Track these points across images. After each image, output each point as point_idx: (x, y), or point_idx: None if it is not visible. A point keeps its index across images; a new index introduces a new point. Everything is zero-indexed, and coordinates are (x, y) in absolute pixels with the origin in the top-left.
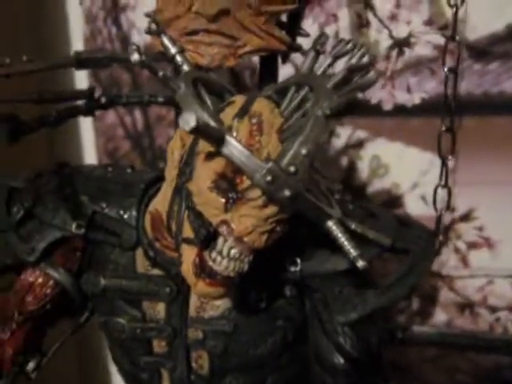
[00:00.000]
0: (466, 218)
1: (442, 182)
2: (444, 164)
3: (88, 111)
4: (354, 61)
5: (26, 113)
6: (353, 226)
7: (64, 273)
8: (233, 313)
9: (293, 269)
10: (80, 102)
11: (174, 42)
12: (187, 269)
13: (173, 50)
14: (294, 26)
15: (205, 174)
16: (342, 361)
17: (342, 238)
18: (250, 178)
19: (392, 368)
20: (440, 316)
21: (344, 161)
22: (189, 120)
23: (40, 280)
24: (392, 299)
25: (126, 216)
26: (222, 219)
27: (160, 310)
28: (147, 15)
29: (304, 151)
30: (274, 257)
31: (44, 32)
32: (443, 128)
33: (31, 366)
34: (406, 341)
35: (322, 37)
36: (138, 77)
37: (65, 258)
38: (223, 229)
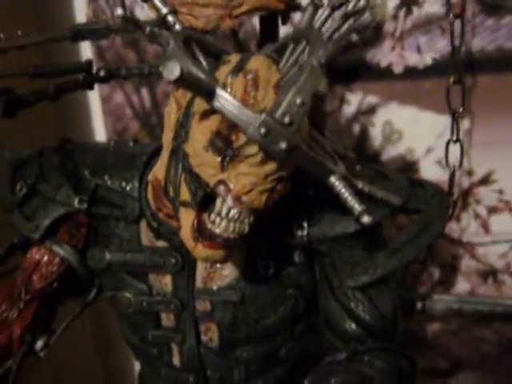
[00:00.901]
0: (485, 181)
1: (454, 138)
2: (454, 118)
3: (86, 84)
4: (349, 7)
5: (24, 88)
6: (360, 185)
7: (69, 249)
8: (241, 282)
9: (300, 233)
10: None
11: (165, 2)
12: (186, 233)
13: (164, 10)
14: None
15: (200, 133)
16: (353, 326)
17: (346, 194)
18: (244, 131)
19: (414, 340)
20: (462, 285)
21: (356, 128)
22: (172, 69)
23: (46, 258)
24: (403, 261)
25: (128, 188)
26: (220, 179)
27: (167, 282)
28: None
29: (298, 101)
30: (280, 221)
31: (47, 14)
32: (451, 80)
33: (39, 344)
34: (425, 311)
35: None
36: (143, 54)
37: (70, 234)
38: (221, 189)
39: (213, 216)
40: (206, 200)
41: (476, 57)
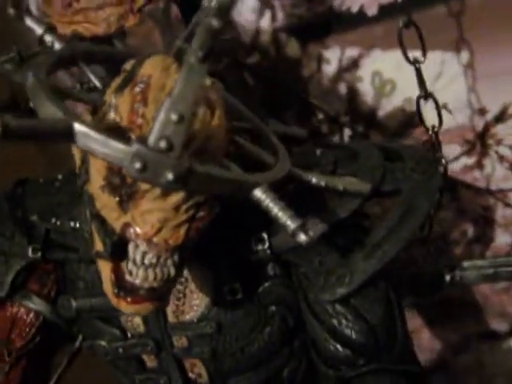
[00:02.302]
0: (502, 117)
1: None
2: (417, 70)
3: None
4: None
5: None
6: (313, 180)
7: (40, 302)
8: (213, 311)
9: (260, 247)
10: None
11: (39, 21)
12: (107, 288)
13: (39, 31)
14: None
15: (95, 171)
16: (339, 347)
17: (275, 209)
18: (117, 172)
19: (462, 304)
20: (502, 238)
21: (342, 88)
22: None
23: (20, 314)
24: (384, 259)
25: (78, 227)
26: (124, 222)
27: (138, 322)
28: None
29: (174, 117)
30: (236, 239)
31: None
32: (401, 24)
33: None
34: (455, 283)
35: None
36: None
37: (39, 284)
38: (129, 233)
39: (129, 265)
40: (121, 247)
41: None
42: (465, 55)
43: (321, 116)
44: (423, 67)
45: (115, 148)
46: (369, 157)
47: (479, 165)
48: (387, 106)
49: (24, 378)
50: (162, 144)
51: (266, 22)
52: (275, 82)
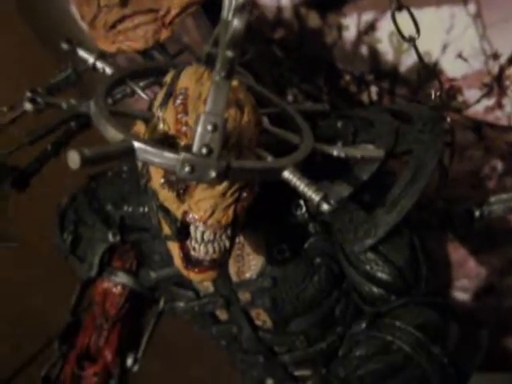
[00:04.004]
0: None
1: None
2: (414, 46)
3: (80, 128)
4: None
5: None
6: (335, 153)
7: (124, 275)
8: (267, 268)
9: (299, 212)
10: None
11: (89, 51)
12: (178, 263)
13: (91, 60)
14: None
15: (155, 172)
16: (374, 288)
17: (301, 186)
18: (173, 173)
19: (498, 233)
20: None
21: (364, 50)
22: (73, 159)
23: (110, 288)
24: (402, 212)
25: (146, 210)
26: (183, 210)
27: (208, 284)
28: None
29: (210, 127)
30: (278, 206)
31: None
32: (393, 7)
33: (129, 362)
34: (485, 217)
35: None
36: None
37: (122, 260)
38: (189, 218)
39: (193, 243)
40: (185, 229)
41: None
42: (472, 7)
43: (348, 77)
44: (437, 21)
45: (167, 157)
46: (382, 123)
47: (499, 105)
48: (407, 62)
49: (121, 339)
50: (204, 150)
51: (286, 0)
52: (301, 53)
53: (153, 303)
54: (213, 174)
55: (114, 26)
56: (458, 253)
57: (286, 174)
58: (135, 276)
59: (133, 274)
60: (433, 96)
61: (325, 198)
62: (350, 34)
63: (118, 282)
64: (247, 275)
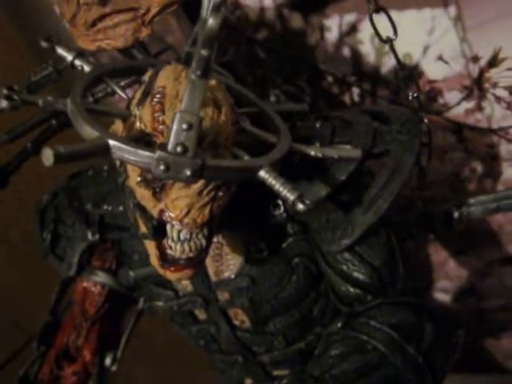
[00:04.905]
0: (494, 62)
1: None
2: (391, 47)
3: (60, 126)
4: None
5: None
6: (312, 153)
7: (104, 275)
8: (246, 268)
9: (277, 212)
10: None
11: (68, 48)
12: (154, 262)
13: (69, 57)
14: None
15: (131, 170)
16: (350, 288)
17: (277, 185)
18: (148, 171)
19: (478, 234)
20: (509, 171)
21: (346, 51)
22: (47, 156)
23: (89, 287)
24: (378, 212)
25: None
26: (159, 209)
27: (186, 283)
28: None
29: (185, 126)
30: (256, 207)
31: None
32: (371, 9)
33: (108, 361)
34: (463, 219)
35: None
36: None
37: (101, 260)
38: (165, 216)
39: (169, 242)
40: (161, 227)
41: None
42: (452, 10)
43: (330, 79)
44: (417, 23)
45: (142, 155)
46: (361, 124)
47: (479, 107)
48: (389, 63)
49: (100, 338)
50: (179, 148)
51: (268, 1)
52: (284, 54)
53: (132, 302)
54: (188, 172)
55: (93, 25)
56: (438, 254)
57: (262, 174)
58: (115, 275)
59: (112, 274)
60: (410, 97)
61: (300, 198)
62: (332, 35)
63: (97, 282)
64: (226, 275)
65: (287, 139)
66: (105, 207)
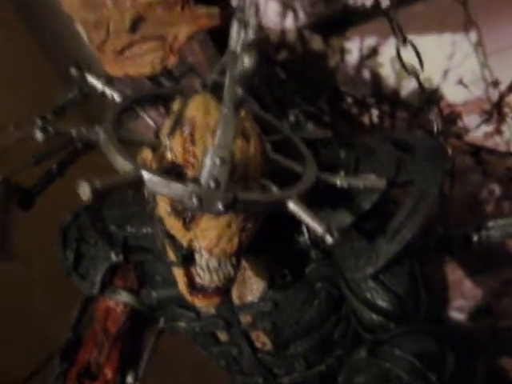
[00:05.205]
0: None
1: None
2: (416, 78)
3: (85, 148)
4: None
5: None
6: (338, 182)
7: (127, 294)
8: (269, 293)
9: (301, 238)
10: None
11: (98, 77)
12: (182, 289)
13: (99, 86)
14: None
15: (161, 200)
16: (373, 316)
17: (305, 217)
18: (181, 203)
19: (495, 255)
20: None
21: (366, 74)
22: (84, 190)
23: (111, 305)
24: (403, 242)
25: (150, 231)
26: (189, 238)
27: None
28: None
29: (218, 161)
30: (281, 234)
31: None
32: (397, 44)
33: (129, 380)
34: (483, 242)
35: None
36: None
37: (124, 279)
38: (194, 246)
39: (198, 269)
40: (190, 255)
41: None
42: (473, 35)
43: (349, 100)
44: (438, 48)
45: (176, 189)
46: (383, 152)
47: (498, 131)
48: (409, 86)
49: (121, 357)
50: (212, 183)
51: (289, 22)
52: (304, 75)
53: (154, 321)
54: (220, 206)
55: (122, 52)
56: (455, 274)
57: (291, 206)
58: (137, 295)
59: (135, 293)
60: (434, 126)
61: (329, 231)
62: (352, 57)
63: (119, 301)
64: (249, 298)
65: (313, 168)
66: (128, 228)
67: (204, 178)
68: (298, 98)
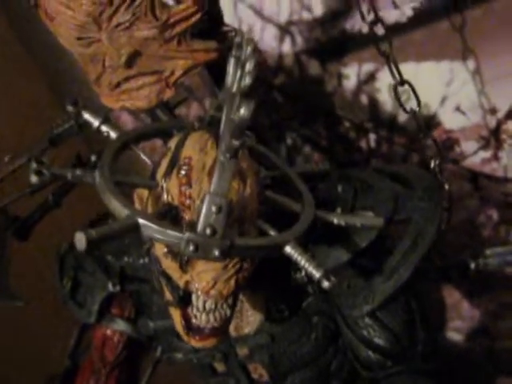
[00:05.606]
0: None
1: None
2: (414, 116)
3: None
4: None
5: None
6: (335, 221)
7: (123, 323)
8: (266, 325)
9: (298, 275)
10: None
11: (95, 114)
12: (179, 329)
13: (96, 123)
14: (217, 27)
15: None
16: (370, 353)
17: (302, 261)
18: (177, 250)
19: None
20: None
21: (363, 99)
22: (80, 241)
23: (109, 334)
24: (399, 282)
25: (147, 262)
26: (185, 280)
27: None
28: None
29: (214, 208)
30: (278, 271)
31: None
32: (394, 82)
33: None
34: (480, 269)
35: (235, 37)
36: None
37: (120, 308)
38: (191, 287)
39: (194, 311)
40: (186, 296)
41: None
42: (471, 63)
43: (347, 124)
44: (436, 75)
45: (172, 236)
46: (381, 189)
47: (495, 157)
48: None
49: None
50: (208, 230)
51: (287, 47)
52: (301, 99)
53: (150, 350)
54: (216, 252)
55: (118, 86)
56: (452, 296)
57: (288, 249)
58: (134, 324)
59: (132, 322)
60: (432, 165)
61: (325, 276)
62: (350, 82)
63: (116, 329)
64: (245, 330)
65: (311, 207)
66: (125, 259)
67: (200, 225)
68: (295, 122)
